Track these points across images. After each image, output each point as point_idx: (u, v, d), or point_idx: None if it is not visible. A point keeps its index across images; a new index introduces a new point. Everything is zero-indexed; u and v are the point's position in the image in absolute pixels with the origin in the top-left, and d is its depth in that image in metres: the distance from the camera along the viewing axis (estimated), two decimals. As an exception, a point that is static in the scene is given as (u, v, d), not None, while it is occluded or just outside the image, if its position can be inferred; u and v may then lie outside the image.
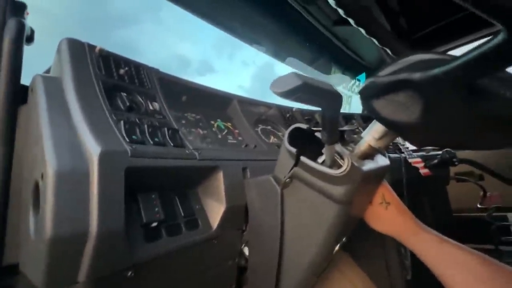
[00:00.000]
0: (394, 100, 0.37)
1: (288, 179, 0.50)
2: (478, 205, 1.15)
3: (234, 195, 0.57)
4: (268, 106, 1.01)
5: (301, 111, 1.12)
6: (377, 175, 0.51)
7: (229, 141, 0.75)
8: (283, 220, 0.52)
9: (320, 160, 0.47)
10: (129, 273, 0.38)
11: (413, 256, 0.88)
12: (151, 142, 0.46)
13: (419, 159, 0.99)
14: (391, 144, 1.12)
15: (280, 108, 1.06)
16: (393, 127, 0.40)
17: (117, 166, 0.37)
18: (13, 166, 0.49)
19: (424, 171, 0.94)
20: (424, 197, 1.05)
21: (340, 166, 0.43)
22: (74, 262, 0.33)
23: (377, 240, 0.88)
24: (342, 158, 0.44)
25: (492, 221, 1.10)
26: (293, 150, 0.48)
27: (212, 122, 0.77)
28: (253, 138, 0.79)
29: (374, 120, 0.46)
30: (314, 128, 0.49)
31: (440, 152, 1.07)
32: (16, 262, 0.43)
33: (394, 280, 0.85)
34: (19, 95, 0.51)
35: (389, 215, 0.52)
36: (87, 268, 0.33)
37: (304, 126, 0.49)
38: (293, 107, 1.13)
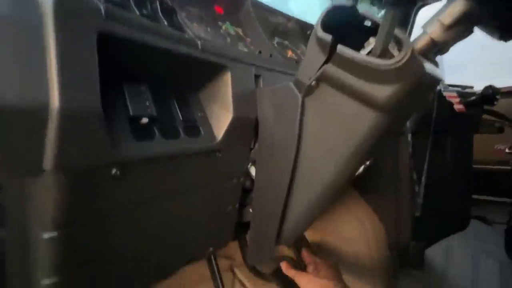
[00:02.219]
0: None
1: (314, 82, 0.39)
2: (507, 150, 1.07)
3: (243, 105, 0.48)
4: (287, 17, 0.84)
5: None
6: (428, 87, 0.40)
7: (239, 48, 0.62)
8: (300, 135, 0.44)
9: (363, 52, 0.36)
10: (114, 171, 0.31)
11: (426, 194, 0.84)
12: (137, 12, 0.34)
13: (454, 94, 0.86)
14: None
15: (300, 23, 0.88)
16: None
17: (84, 25, 0.26)
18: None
19: (458, 107, 0.83)
20: (449, 138, 0.96)
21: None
22: (34, 143, 0.25)
23: (390, 176, 0.82)
24: (398, 46, 0.32)
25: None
26: (328, 37, 0.35)
27: (220, 23, 0.63)
28: (268, 48, 0.66)
29: (446, 2, 0.32)
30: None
31: (478, 91, 0.94)
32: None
33: (402, 216, 0.82)
34: None
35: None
36: (53, 154, 0.26)
37: (346, 2, 0.36)
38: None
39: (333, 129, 0.39)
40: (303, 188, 0.46)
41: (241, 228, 0.71)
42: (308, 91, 0.41)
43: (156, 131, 0.37)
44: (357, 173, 0.46)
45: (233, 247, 0.91)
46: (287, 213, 0.50)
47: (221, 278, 0.67)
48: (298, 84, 0.42)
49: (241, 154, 0.52)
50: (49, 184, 0.27)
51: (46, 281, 0.30)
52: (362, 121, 0.36)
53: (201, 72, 0.44)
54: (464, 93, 0.94)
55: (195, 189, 0.46)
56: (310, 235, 0.93)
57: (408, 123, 0.78)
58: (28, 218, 0.30)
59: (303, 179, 0.45)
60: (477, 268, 1.08)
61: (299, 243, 0.72)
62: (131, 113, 0.34)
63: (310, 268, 0.60)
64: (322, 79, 0.38)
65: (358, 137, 0.37)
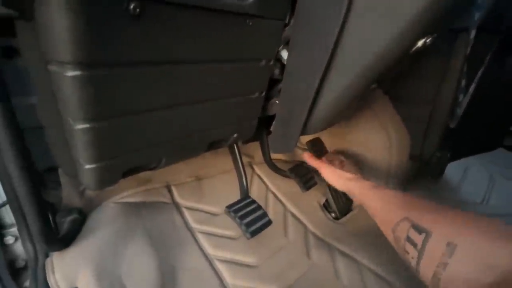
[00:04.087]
0: None
1: None
2: None
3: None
4: None
5: None
6: None
7: None
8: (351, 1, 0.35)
9: None
10: (132, 5, 0.26)
11: (468, 105, 0.76)
12: None
13: (551, -21, 0.66)
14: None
15: None
16: None
17: None
18: None
19: (551, -4, 0.65)
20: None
21: None
22: None
23: (434, 80, 0.73)
24: None
25: None
26: None
27: None
28: None
29: None
30: None
31: None
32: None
33: (434, 126, 0.77)
34: None
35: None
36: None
37: None
38: None
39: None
40: (344, 66, 0.40)
41: (262, 126, 0.70)
42: None
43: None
44: (414, 49, 0.39)
45: (253, 147, 0.94)
46: (319, 99, 0.46)
47: (243, 166, 0.70)
48: None
49: (274, 29, 0.45)
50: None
51: (79, 126, 0.30)
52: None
53: None
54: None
55: (221, 61, 0.41)
56: (329, 144, 0.92)
57: (476, 15, 0.64)
58: (47, 53, 0.27)
59: (346, 54, 0.39)
60: (491, 187, 1.09)
61: (319, 151, 0.72)
62: None
63: (335, 163, 0.60)
64: None
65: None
